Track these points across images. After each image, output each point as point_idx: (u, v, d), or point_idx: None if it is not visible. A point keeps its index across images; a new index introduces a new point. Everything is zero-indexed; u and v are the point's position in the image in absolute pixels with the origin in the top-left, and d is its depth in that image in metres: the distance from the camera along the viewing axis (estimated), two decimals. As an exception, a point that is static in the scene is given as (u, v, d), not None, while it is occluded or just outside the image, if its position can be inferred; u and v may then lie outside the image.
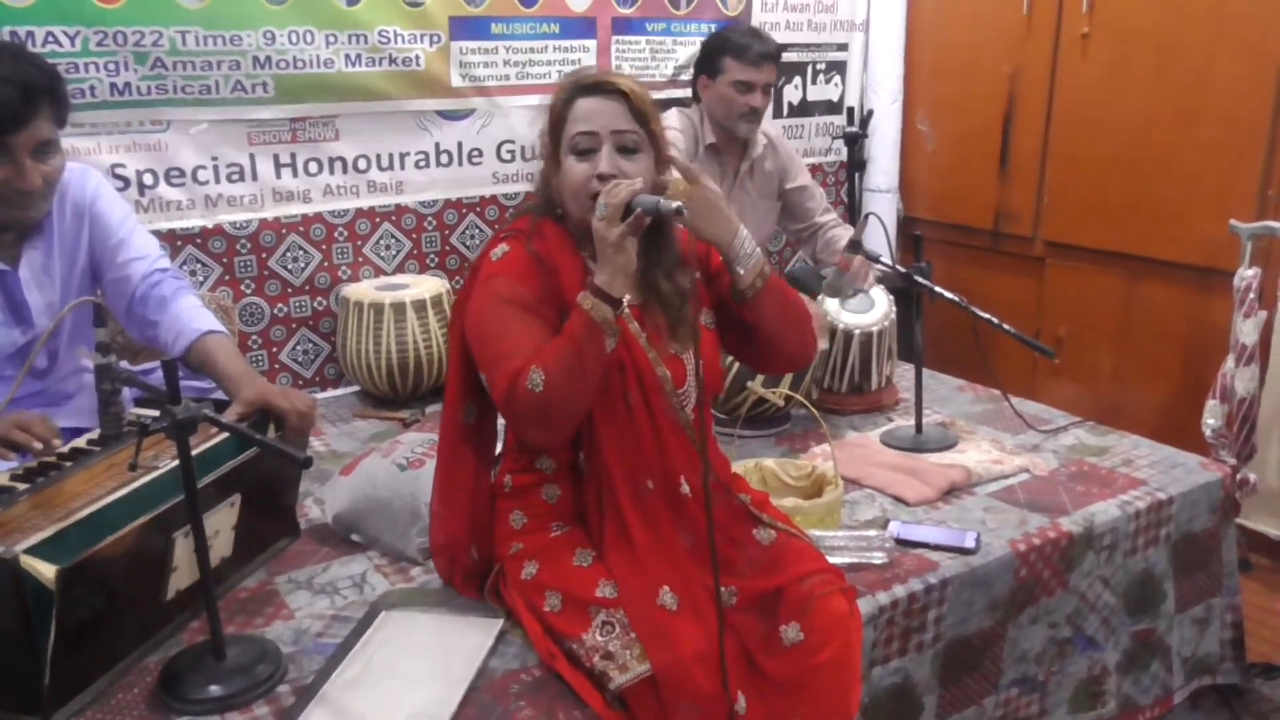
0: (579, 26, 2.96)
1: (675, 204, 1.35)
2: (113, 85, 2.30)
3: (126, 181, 2.39)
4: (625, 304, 1.39)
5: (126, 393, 1.69)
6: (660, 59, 3.16)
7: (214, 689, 1.35)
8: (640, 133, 1.46)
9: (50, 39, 2.21)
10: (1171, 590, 2.03)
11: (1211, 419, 2.60)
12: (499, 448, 1.63)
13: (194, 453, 1.34)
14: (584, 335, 1.36)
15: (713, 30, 3.16)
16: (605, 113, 1.45)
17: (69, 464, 1.51)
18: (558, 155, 1.48)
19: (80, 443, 1.60)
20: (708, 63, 2.69)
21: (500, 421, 1.59)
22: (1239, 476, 2.53)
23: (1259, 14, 2.62)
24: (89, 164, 2.09)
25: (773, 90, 2.75)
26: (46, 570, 1.23)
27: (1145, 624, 2.01)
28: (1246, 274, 2.53)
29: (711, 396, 1.62)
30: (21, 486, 1.44)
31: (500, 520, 1.57)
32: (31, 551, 1.25)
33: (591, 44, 3.00)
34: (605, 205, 1.36)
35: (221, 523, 1.57)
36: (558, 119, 1.47)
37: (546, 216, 1.53)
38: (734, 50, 2.63)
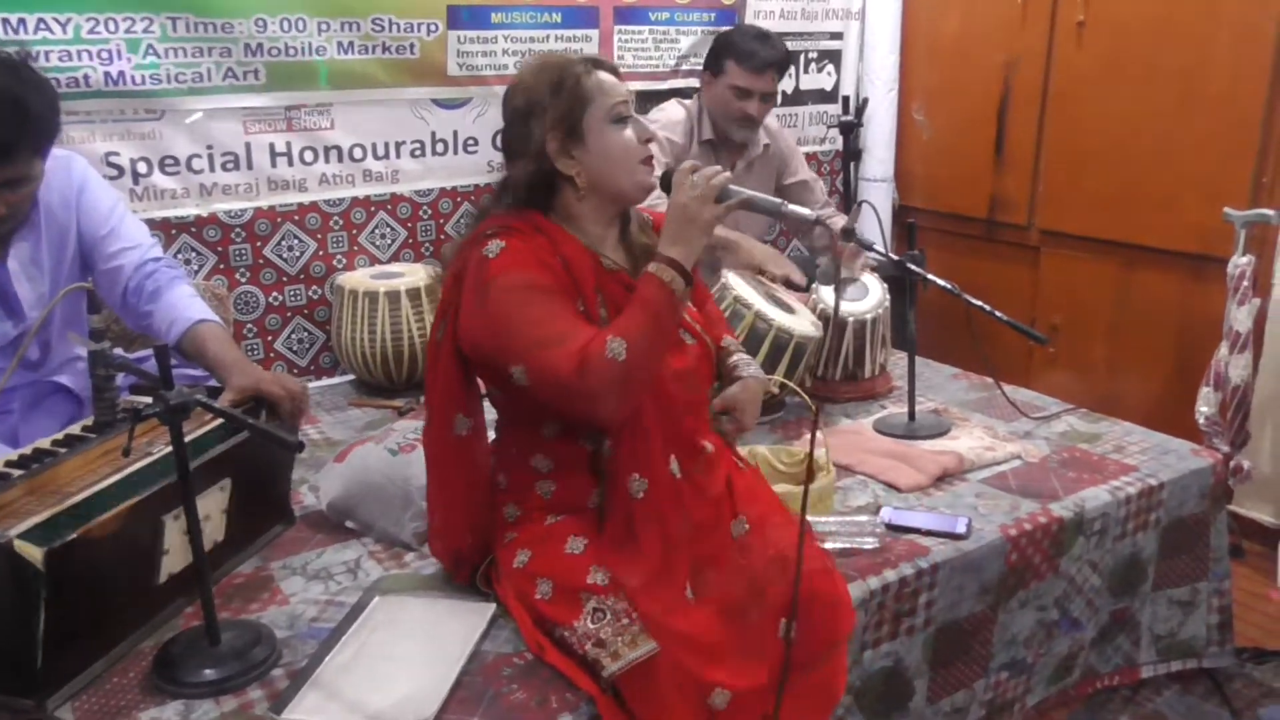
0: (581, 16, 2.95)
1: (810, 213, 1.42)
2: (106, 74, 2.30)
3: (120, 170, 2.39)
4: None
5: (120, 380, 1.70)
6: (664, 49, 3.15)
7: (208, 672, 1.36)
8: None
9: (41, 25, 2.20)
10: (1153, 571, 2.04)
11: (1205, 406, 2.60)
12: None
13: (187, 438, 1.35)
14: (663, 305, 1.37)
15: (713, 18, 3.16)
16: (623, 87, 1.49)
17: (64, 450, 1.52)
18: (579, 131, 1.43)
19: (75, 429, 1.61)
20: (712, 59, 2.66)
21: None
22: (1233, 463, 2.54)
23: (1253, 2, 2.62)
24: (82, 152, 2.09)
25: (774, 99, 2.72)
26: (35, 552, 1.23)
27: (1124, 603, 2.03)
28: (1240, 261, 2.53)
29: (711, 382, 1.63)
30: (16, 472, 1.44)
31: (494, 513, 1.56)
32: (25, 536, 1.26)
33: (594, 34, 2.99)
34: (700, 185, 1.39)
35: (212, 506, 1.57)
36: (583, 93, 1.43)
37: (532, 210, 1.48)
38: (737, 54, 2.58)
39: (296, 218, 2.66)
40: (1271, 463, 2.68)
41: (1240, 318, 2.53)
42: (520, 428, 1.53)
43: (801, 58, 3.46)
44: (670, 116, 2.68)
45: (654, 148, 1.52)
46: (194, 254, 2.53)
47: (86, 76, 2.28)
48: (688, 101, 2.76)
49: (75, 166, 1.83)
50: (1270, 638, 2.27)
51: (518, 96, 1.47)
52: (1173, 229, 2.86)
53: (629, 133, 1.46)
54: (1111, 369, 3.08)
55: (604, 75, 1.47)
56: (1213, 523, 2.10)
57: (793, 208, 1.39)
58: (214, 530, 1.59)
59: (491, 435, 1.60)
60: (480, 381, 1.53)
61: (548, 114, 1.43)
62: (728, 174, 1.41)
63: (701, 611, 1.38)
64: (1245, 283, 2.52)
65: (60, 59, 2.22)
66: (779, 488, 1.79)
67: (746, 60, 2.58)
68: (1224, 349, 2.56)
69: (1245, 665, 2.19)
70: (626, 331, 1.35)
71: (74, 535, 1.27)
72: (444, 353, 1.48)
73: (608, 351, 1.34)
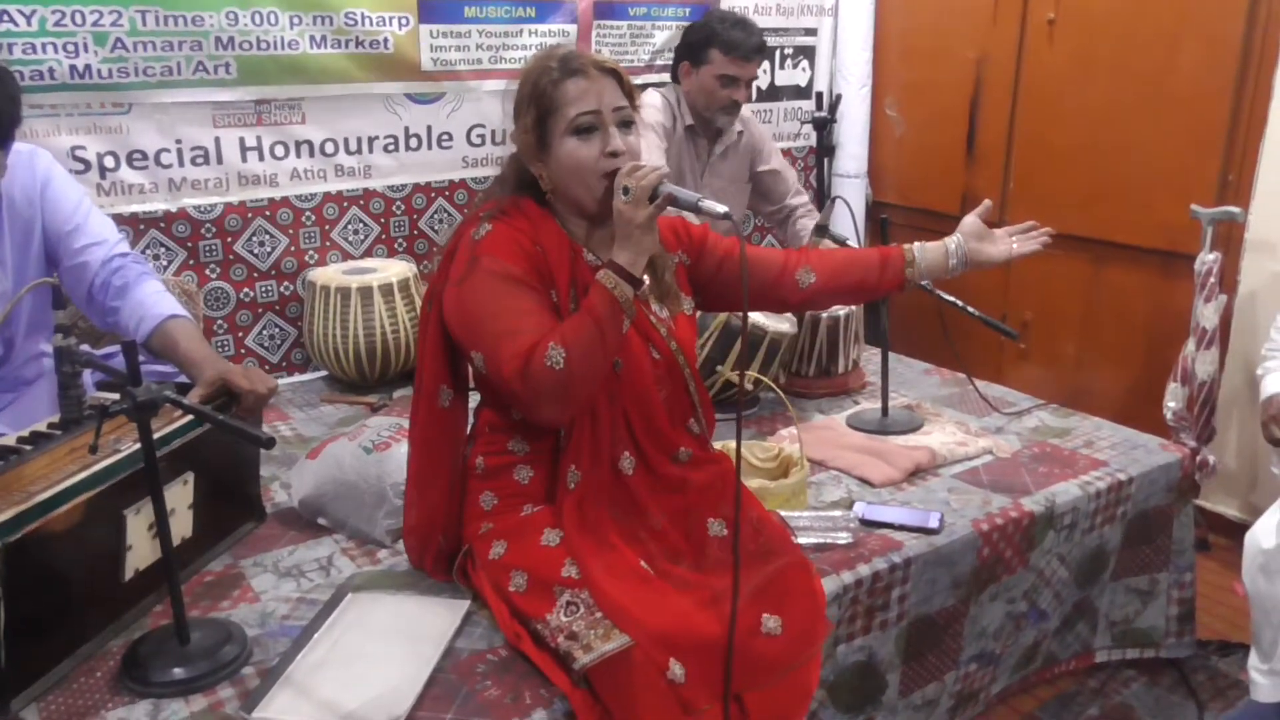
0: (558, 10, 2.93)
1: (722, 208, 1.37)
2: (72, 67, 2.26)
3: (87, 164, 2.36)
4: (645, 284, 1.42)
5: (87, 377, 1.67)
6: (639, 43, 3.15)
7: (178, 671, 1.35)
8: (631, 108, 1.47)
9: (5, 17, 2.16)
10: (1114, 561, 2.07)
11: (1172, 401, 2.64)
12: (468, 428, 1.62)
13: (156, 435, 1.33)
14: (606, 313, 1.36)
15: (688, 14, 3.15)
16: (604, 91, 1.44)
17: (29, 448, 1.50)
18: (546, 138, 1.46)
19: (41, 427, 1.58)
20: (692, 50, 2.65)
21: (471, 403, 1.59)
22: (1199, 458, 2.58)
23: (1220, 3, 2.65)
24: (47, 146, 2.06)
25: (755, 81, 2.74)
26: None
27: (1086, 592, 2.05)
28: (1207, 258, 2.57)
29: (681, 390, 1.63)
30: (-20, 470, 1.42)
31: (470, 501, 1.56)
32: (-11, 535, 1.24)
33: (571, 28, 2.97)
34: (631, 188, 1.37)
35: (176, 501, 1.55)
36: (548, 101, 1.44)
37: (526, 197, 1.51)
38: (723, 44, 2.58)
39: (268, 213, 2.63)
40: (1237, 457, 2.72)
41: (1207, 314, 2.56)
42: (496, 409, 1.55)
43: (776, 54, 3.47)
44: (655, 103, 2.68)
45: (643, 143, 1.51)
46: (163, 249, 2.50)
47: (52, 70, 2.24)
48: (664, 89, 2.76)
49: (39, 161, 1.80)
50: (1235, 630, 2.31)
51: (517, 90, 1.50)
52: (1141, 226, 2.89)
53: (587, 148, 1.44)
54: (1081, 364, 3.12)
55: (578, 82, 1.43)
56: (1176, 515, 2.13)
57: (708, 203, 1.38)
58: (180, 526, 1.57)
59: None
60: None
61: (523, 118, 1.47)
62: (662, 170, 1.39)
63: (665, 602, 1.38)
64: (1212, 279, 2.56)
65: (24, 51, 2.19)
66: (753, 482, 1.80)
67: (734, 49, 2.58)
68: (1191, 345, 2.60)
69: (1210, 658, 2.22)
70: (567, 340, 1.36)
71: (28, 530, 1.25)
72: (431, 324, 1.52)
73: (547, 360, 1.35)
